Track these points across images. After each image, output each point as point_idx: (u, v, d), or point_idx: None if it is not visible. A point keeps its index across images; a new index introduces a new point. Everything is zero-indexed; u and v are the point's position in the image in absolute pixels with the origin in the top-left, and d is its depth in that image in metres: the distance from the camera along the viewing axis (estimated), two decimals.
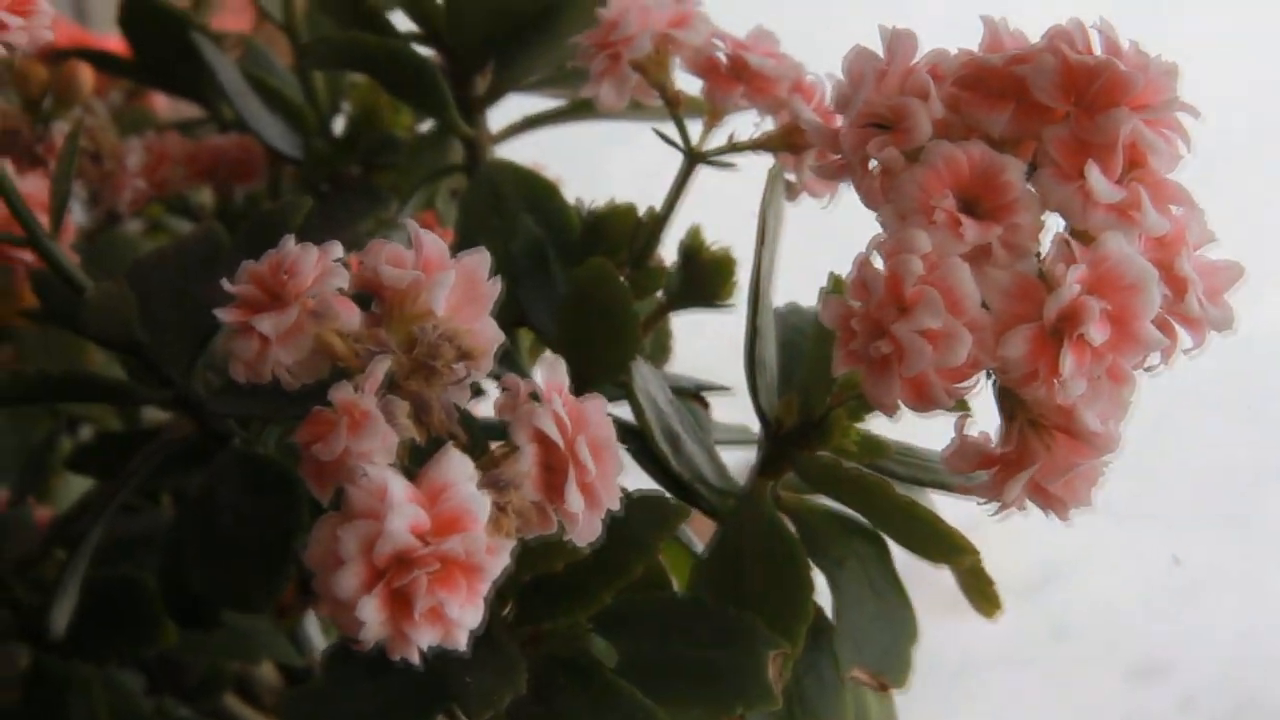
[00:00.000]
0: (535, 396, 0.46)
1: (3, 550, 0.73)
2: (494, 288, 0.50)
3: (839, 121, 0.49)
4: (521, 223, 0.66)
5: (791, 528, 0.58)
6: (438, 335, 0.48)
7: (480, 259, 0.50)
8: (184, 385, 0.64)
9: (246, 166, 0.86)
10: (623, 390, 0.58)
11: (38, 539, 0.74)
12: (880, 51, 0.48)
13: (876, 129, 0.47)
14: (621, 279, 0.61)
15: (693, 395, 0.66)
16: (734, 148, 0.64)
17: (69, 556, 0.66)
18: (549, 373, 0.47)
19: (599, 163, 1.01)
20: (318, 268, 0.50)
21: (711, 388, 0.67)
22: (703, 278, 0.66)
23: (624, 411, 0.58)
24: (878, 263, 0.45)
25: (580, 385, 0.47)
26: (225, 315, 0.49)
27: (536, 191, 0.68)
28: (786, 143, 0.63)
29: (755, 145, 0.64)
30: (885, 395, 0.44)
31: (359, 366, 0.46)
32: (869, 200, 0.48)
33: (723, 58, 0.63)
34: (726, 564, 0.57)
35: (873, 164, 0.48)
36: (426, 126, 0.83)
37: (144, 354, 0.63)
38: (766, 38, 0.64)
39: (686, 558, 0.60)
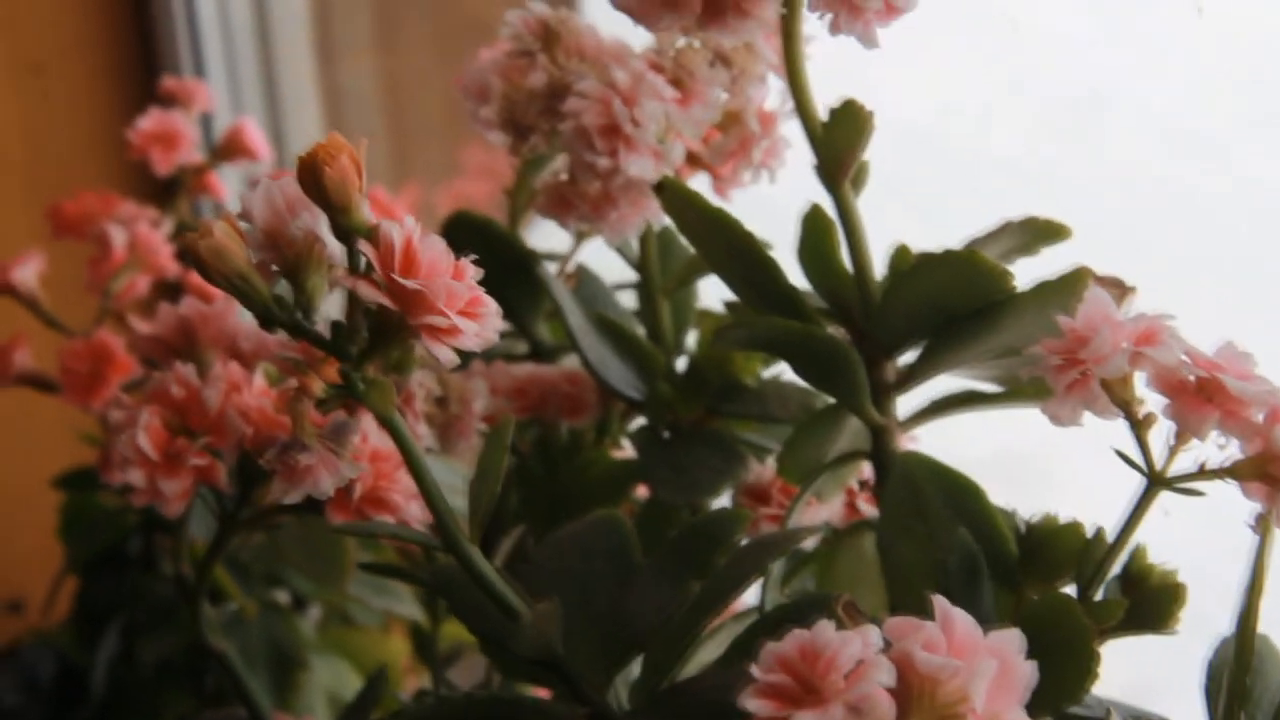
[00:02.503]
0: None
1: None
2: (1030, 673, 0.46)
3: None
4: (960, 537, 0.61)
5: None
6: None
7: (1013, 641, 0.46)
8: (602, 703, 0.59)
9: (577, 403, 0.82)
10: None
11: None
12: None
13: None
14: (1084, 616, 0.57)
15: None
16: (1204, 475, 0.59)
17: None
18: None
19: None
20: (858, 657, 0.46)
21: None
22: (1149, 604, 0.62)
23: None
24: None
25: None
26: (757, 707, 0.45)
27: (959, 493, 0.64)
28: (1260, 472, 0.59)
29: (1226, 474, 0.59)
30: None
31: None
32: None
33: (1192, 377, 0.59)
34: None
35: None
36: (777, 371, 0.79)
37: (560, 668, 0.59)
38: (1241, 357, 0.59)
39: None
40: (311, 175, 0.55)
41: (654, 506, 0.80)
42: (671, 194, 0.66)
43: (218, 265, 0.56)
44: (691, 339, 0.83)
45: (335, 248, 0.58)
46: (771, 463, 0.77)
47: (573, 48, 0.74)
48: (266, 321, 0.58)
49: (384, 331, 0.56)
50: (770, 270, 0.65)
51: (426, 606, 0.89)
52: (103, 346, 0.92)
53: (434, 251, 0.55)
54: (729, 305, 0.77)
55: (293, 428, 0.57)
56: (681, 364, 0.82)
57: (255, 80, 1.65)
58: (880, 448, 0.67)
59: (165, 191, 1.19)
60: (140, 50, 1.56)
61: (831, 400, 0.69)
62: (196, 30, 1.55)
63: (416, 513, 0.68)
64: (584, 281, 0.83)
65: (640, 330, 0.82)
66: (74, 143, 1.52)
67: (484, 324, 0.55)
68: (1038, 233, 0.66)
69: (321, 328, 0.59)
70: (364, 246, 0.54)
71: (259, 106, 1.64)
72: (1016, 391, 0.67)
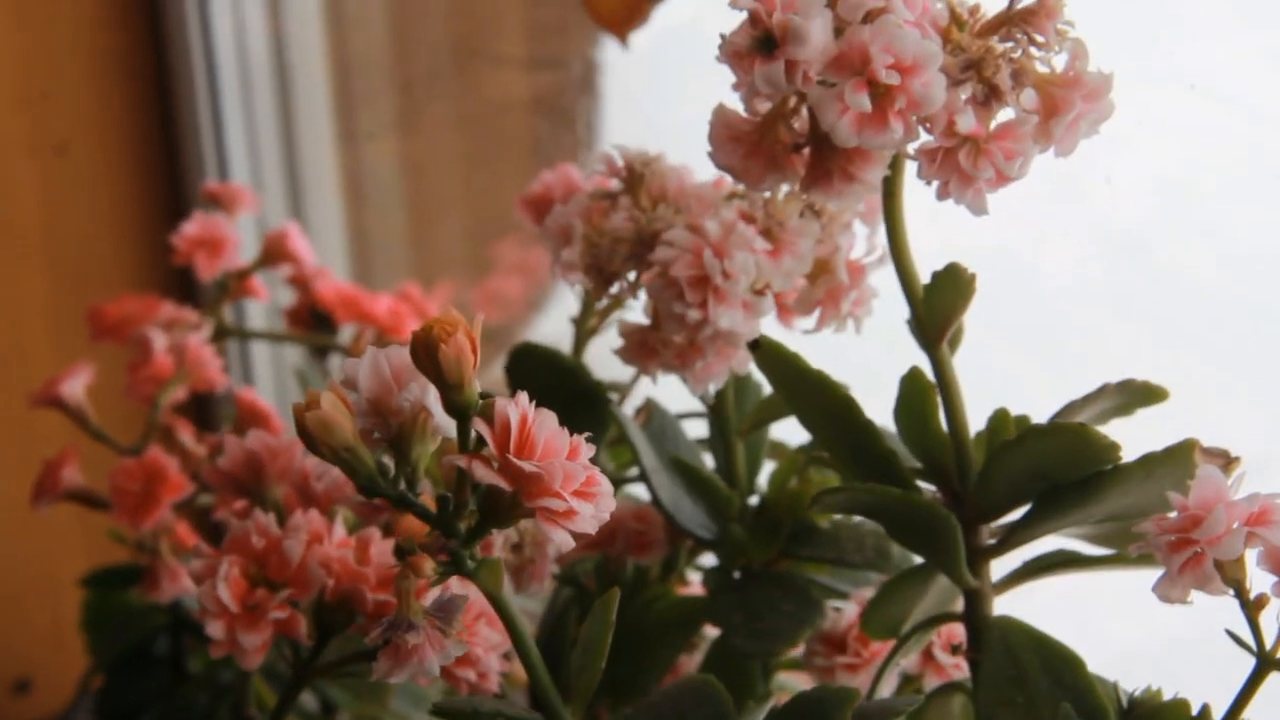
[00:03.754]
0: None
1: None
2: None
3: None
4: (1063, 712, 0.60)
5: None
6: None
7: None
8: None
9: (645, 540, 0.81)
10: None
11: None
12: None
13: None
14: None
15: None
16: None
17: None
18: None
19: None
20: None
21: None
22: None
23: None
24: None
25: None
26: None
27: (1059, 664, 0.63)
28: None
29: None
30: None
31: None
32: None
33: None
34: None
35: None
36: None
37: None
38: None
39: None
40: (426, 351, 0.55)
41: (724, 647, 0.79)
42: (768, 353, 0.65)
43: (325, 438, 0.55)
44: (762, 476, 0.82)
45: (441, 418, 0.57)
46: (845, 607, 0.76)
47: (657, 190, 0.74)
48: (370, 493, 0.57)
49: (496, 510, 0.55)
50: (870, 434, 0.64)
51: None
52: (155, 465, 0.91)
53: (549, 430, 0.54)
54: (815, 457, 0.76)
55: (399, 605, 0.56)
56: (753, 500, 0.81)
57: (277, 162, 1.64)
58: (974, 611, 0.66)
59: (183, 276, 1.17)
60: (161, 132, 1.55)
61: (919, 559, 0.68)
62: (219, 111, 1.54)
63: (494, 664, 0.67)
64: (653, 416, 0.82)
65: (710, 466, 0.81)
66: (94, 222, 1.51)
67: (599, 505, 0.54)
68: (1135, 395, 0.66)
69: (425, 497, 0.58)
70: (480, 425, 0.54)
71: (279, 189, 1.64)
72: (1117, 557, 0.66)
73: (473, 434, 0.55)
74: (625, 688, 0.77)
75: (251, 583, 0.68)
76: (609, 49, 1.60)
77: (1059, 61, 0.61)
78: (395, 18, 1.73)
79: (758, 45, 0.59)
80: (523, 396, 0.55)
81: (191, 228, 1.07)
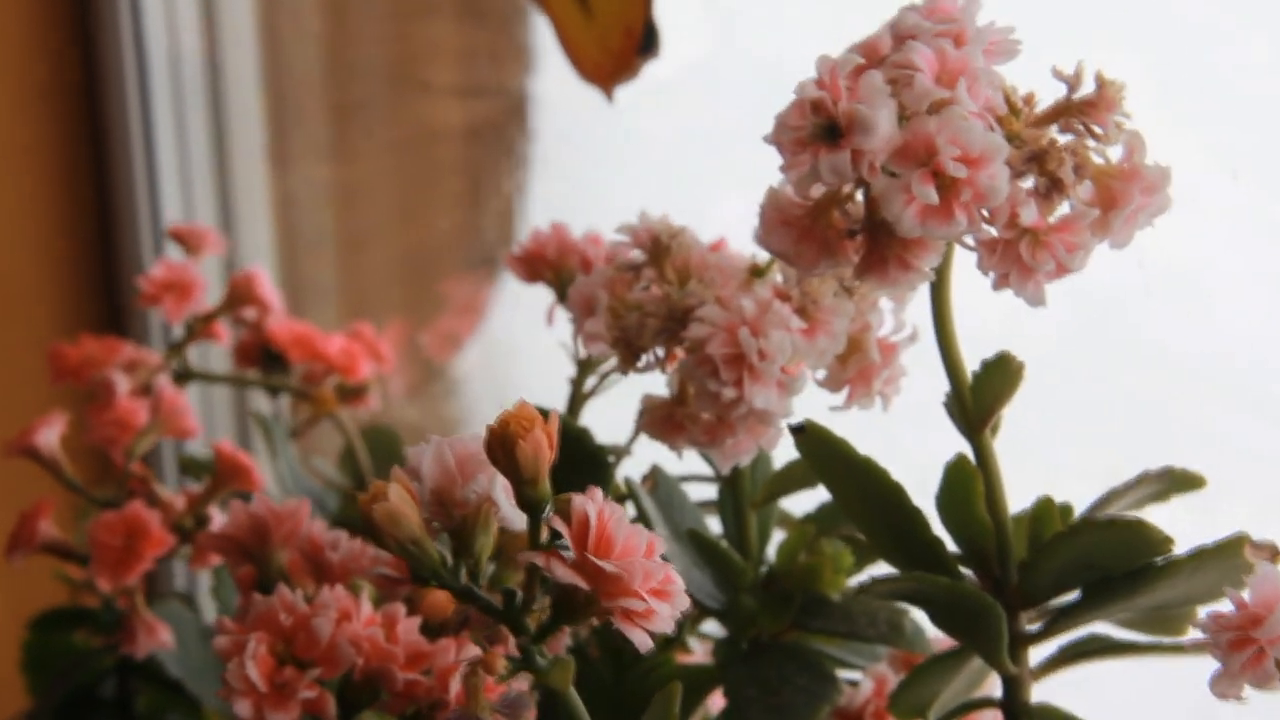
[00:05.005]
0: None
1: None
2: None
3: None
4: None
5: None
6: None
7: None
8: None
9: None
10: None
11: None
12: None
13: None
14: None
15: None
16: None
17: None
18: None
19: None
20: None
21: None
22: None
23: None
24: None
25: None
26: None
27: None
28: None
29: None
30: None
31: None
32: None
33: None
34: None
35: None
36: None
37: None
38: None
39: None
40: (503, 447, 0.54)
41: None
42: (814, 438, 0.65)
43: (393, 531, 0.54)
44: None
45: (507, 510, 0.56)
46: (860, 680, 0.76)
47: (681, 263, 0.73)
48: (435, 585, 0.55)
49: (571, 608, 0.54)
50: (916, 521, 0.64)
51: None
52: (137, 520, 0.89)
53: (627, 529, 0.53)
54: (848, 539, 0.76)
55: (467, 701, 0.55)
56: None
57: (208, 183, 1.61)
58: (1012, 697, 0.66)
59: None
60: (91, 149, 1.52)
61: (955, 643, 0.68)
62: (150, 132, 1.52)
63: None
64: (659, 483, 0.82)
65: (715, 531, 0.81)
66: (19, 249, 1.47)
67: (675, 604, 0.54)
68: (1174, 482, 0.66)
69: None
70: (558, 524, 0.53)
71: (210, 209, 1.61)
72: (1156, 645, 0.67)
73: (542, 529, 0.55)
74: None
75: (279, 660, 0.67)
76: (541, 80, 1.60)
77: (1113, 153, 0.61)
78: (330, 42, 1.71)
79: (821, 133, 0.59)
80: (597, 493, 0.54)
81: (159, 271, 1.05)
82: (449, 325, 1.36)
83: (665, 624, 0.53)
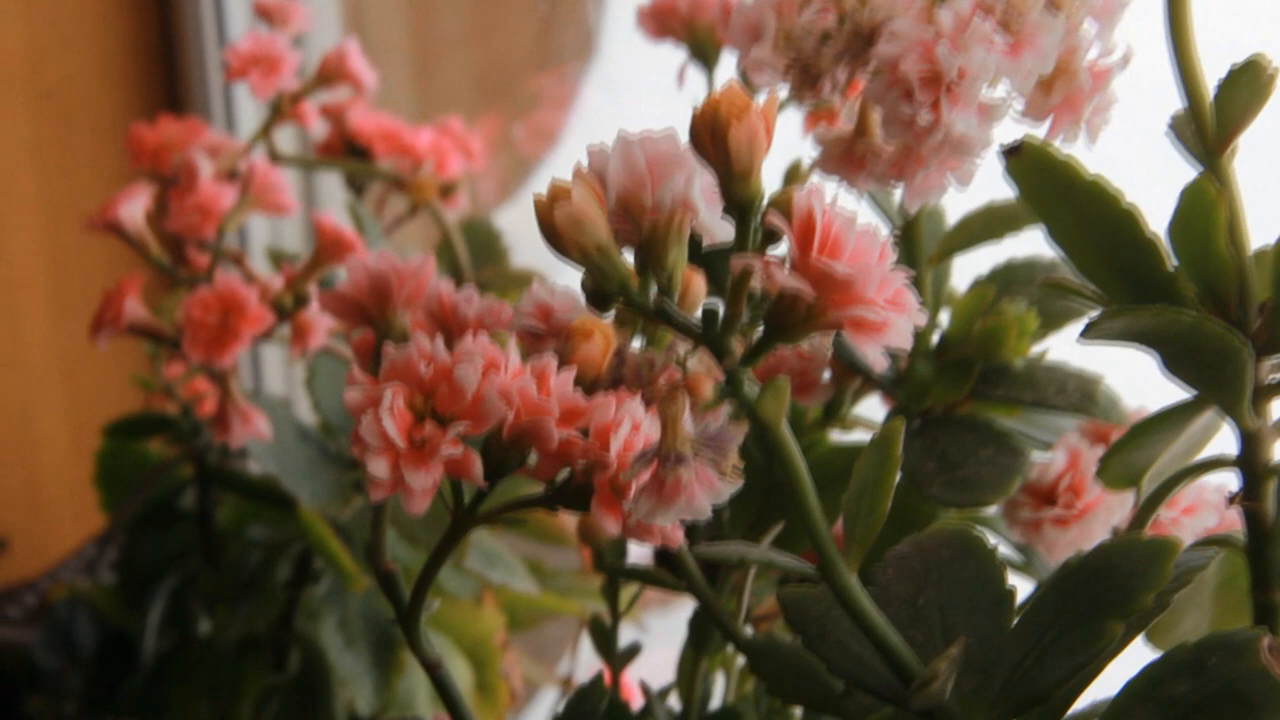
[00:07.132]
0: None
1: None
2: None
3: None
4: None
5: None
6: None
7: None
8: None
9: (808, 380, 0.73)
10: None
11: None
12: None
13: None
14: None
15: None
16: None
17: None
18: None
19: None
20: None
21: None
22: None
23: None
24: None
25: None
26: None
27: None
28: None
29: None
30: None
31: None
32: None
33: None
34: None
35: None
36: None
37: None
38: None
39: None
40: (711, 132, 0.46)
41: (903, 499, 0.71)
42: (1033, 158, 0.57)
43: (576, 236, 0.46)
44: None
45: (706, 217, 0.49)
46: (1051, 456, 0.69)
47: None
48: (624, 302, 0.48)
49: (789, 323, 0.46)
50: (1152, 253, 0.56)
51: (608, 599, 0.79)
52: (233, 296, 0.82)
53: (858, 230, 0.45)
54: (1038, 299, 0.69)
55: (664, 434, 0.48)
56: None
57: None
58: (1251, 455, 0.58)
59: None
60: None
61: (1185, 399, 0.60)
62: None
63: (707, 507, 0.59)
64: None
65: None
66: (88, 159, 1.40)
67: (912, 318, 0.46)
68: None
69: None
70: (776, 220, 0.45)
71: None
72: None
73: (757, 235, 0.47)
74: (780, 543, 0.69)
75: (417, 415, 0.59)
76: None
77: None
78: None
79: None
80: (822, 189, 0.46)
81: (245, 44, 0.96)
82: (541, 119, 1.28)
83: (902, 338, 0.46)
